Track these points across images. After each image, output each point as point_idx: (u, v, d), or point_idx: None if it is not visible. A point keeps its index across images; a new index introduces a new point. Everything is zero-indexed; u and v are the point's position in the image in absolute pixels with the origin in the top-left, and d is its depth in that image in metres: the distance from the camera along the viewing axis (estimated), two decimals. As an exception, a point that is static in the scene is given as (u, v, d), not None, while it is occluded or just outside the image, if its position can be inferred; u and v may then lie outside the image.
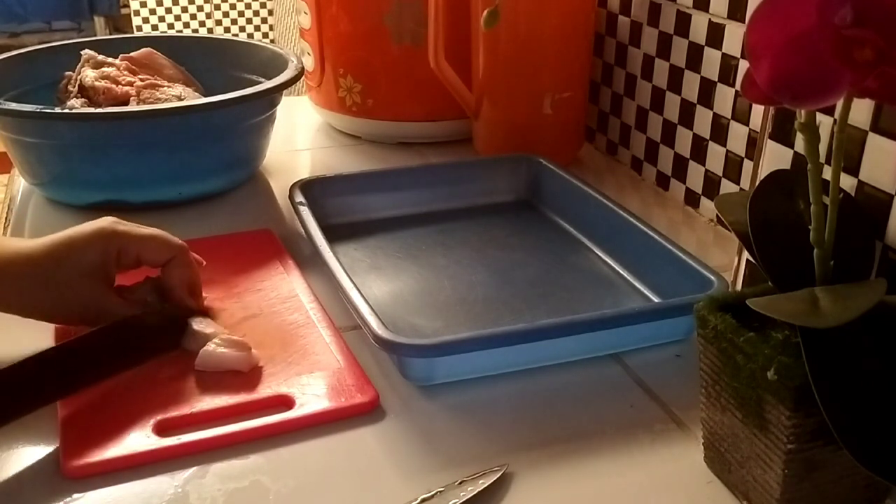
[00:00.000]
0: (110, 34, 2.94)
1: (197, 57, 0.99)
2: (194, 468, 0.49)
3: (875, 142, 0.51)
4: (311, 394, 0.55)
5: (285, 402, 0.54)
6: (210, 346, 0.57)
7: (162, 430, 0.52)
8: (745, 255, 0.63)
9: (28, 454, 0.51)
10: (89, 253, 0.57)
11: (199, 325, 0.60)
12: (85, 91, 0.87)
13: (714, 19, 0.77)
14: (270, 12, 2.99)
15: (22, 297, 0.57)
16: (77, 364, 0.54)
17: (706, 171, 0.82)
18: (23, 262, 0.57)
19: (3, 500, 0.48)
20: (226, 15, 2.95)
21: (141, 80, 0.88)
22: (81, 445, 0.50)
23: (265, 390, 0.55)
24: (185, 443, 0.51)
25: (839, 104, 0.41)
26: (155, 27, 2.88)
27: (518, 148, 0.90)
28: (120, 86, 0.87)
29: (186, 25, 2.92)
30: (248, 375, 0.57)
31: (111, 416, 0.53)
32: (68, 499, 0.47)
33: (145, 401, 0.54)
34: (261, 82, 0.86)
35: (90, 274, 0.57)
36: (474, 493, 0.47)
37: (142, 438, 0.51)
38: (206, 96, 0.90)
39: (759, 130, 0.72)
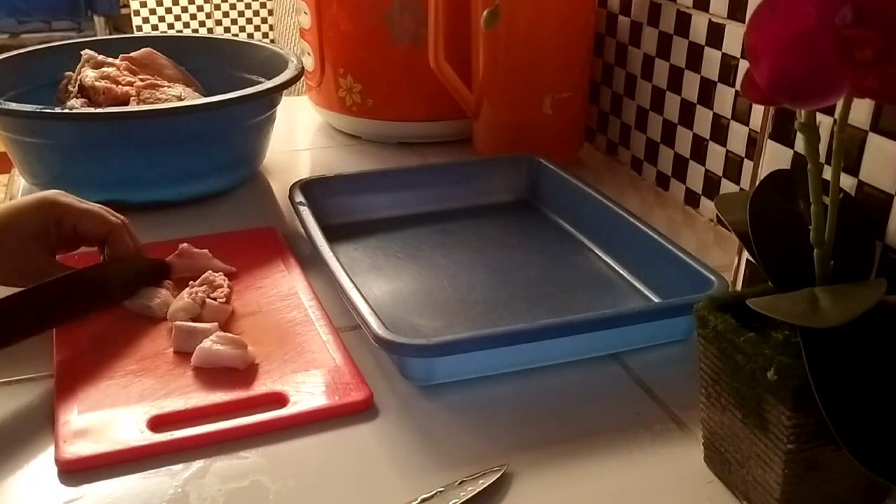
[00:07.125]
0: (110, 34, 2.94)
1: (197, 57, 0.99)
2: (195, 468, 0.49)
3: (875, 142, 0.51)
4: (305, 392, 0.55)
5: (279, 400, 0.54)
6: (206, 343, 0.57)
7: (156, 425, 0.52)
8: (745, 255, 0.63)
9: (23, 449, 0.51)
10: (31, 219, 0.62)
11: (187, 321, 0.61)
12: (85, 91, 0.87)
13: (714, 19, 0.77)
14: (270, 12, 2.99)
15: None
16: (18, 313, 0.57)
17: (706, 171, 0.82)
18: None
19: None
20: (226, 15, 2.95)
21: (141, 80, 0.88)
22: (76, 439, 0.50)
23: (260, 387, 0.55)
24: (178, 438, 0.51)
25: (839, 104, 0.41)
26: (155, 27, 2.88)
27: (518, 148, 0.90)
28: (120, 86, 0.87)
29: (186, 25, 2.92)
30: (243, 372, 0.57)
31: (106, 410, 0.53)
32: (65, 498, 0.47)
33: (140, 396, 0.54)
34: (261, 82, 0.86)
35: (31, 239, 0.61)
36: (474, 493, 0.47)
37: (135, 433, 0.51)
38: (206, 96, 0.90)
39: (759, 130, 0.72)
